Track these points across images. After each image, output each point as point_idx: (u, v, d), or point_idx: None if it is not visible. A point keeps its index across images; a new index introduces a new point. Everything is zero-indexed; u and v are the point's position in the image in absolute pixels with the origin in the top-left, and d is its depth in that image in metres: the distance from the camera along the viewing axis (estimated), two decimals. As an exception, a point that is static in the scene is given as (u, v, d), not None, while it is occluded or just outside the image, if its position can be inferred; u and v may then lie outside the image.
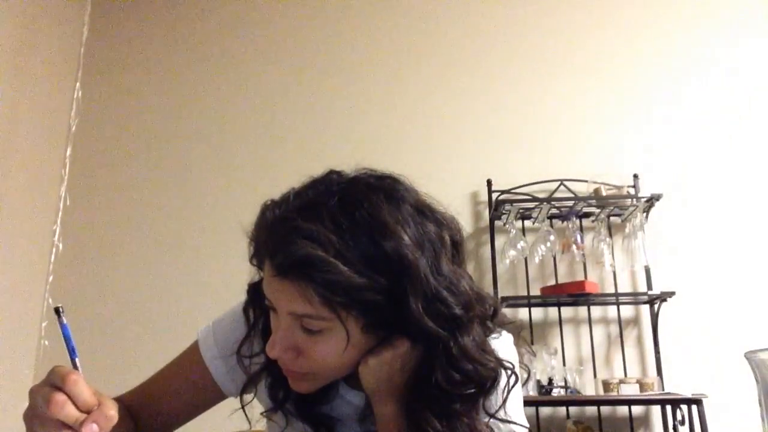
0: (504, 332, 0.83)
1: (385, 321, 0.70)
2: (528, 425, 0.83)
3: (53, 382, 0.59)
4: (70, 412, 0.57)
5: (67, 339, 0.65)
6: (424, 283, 0.68)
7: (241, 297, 0.83)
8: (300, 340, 0.71)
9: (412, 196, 0.73)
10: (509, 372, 0.76)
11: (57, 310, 0.65)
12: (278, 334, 0.71)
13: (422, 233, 0.70)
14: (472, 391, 0.73)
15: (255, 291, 0.80)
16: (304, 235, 0.65)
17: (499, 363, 0.75)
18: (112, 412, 0.59)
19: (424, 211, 0.73)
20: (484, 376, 0.73)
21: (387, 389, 0.74)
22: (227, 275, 2.09)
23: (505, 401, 0.76)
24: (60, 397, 0.57)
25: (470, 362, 0.72)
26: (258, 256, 0.75)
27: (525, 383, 0.82)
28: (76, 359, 0.64)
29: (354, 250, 0.66)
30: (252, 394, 0.84)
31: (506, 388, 0.76)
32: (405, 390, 0.74)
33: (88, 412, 0.59)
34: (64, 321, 0.65)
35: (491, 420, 0.76)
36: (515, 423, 0.79)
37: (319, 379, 0.75)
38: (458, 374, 0.71)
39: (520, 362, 0.83)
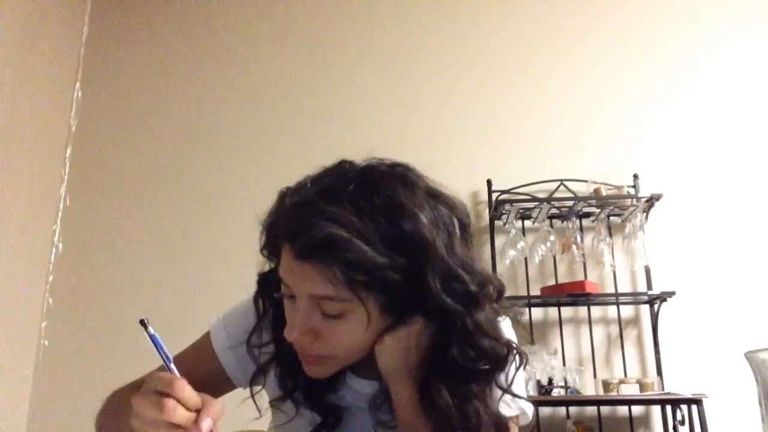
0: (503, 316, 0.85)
1: (403, 301, 0.72)
2: (531, 409, 0.86)
3: (158, 389, 0.62)
4: (182, 414, 0.61)
5: (159, 348, 0.67)
6: (441, 261, 0.70)
7: (243, 296, 0.83)
8: (319, 324, 0.72)
9: (423, 182, 0.77)
10: (516, 351, 0.79)
11: (142, 323, 0.66)
12: (297, 317, 0.72)
13: (437, 215, 0.73)
14: (487, 367, 0.75)
15: (265, 281, 0.81)
16: (326, 217, 0.67)
17: (510, 341, 0.78)
18: (219, 405, 0.63)
19: (436, 195, 0.76)
20: (498, 352, 0.76)
21: (403, 368, 0.75)
22: (228, 274, 2.09)
23: (511, 383, 0.79)
24: (171, 403, 0.60)
25: (485, 337, 0.74)
26: (273, 244, 0.76)
27: (525, 366, 0.84)
28: (171, 365, 0.67)
29: (374, 230, 0.68)
30: (261, 385, 0.86)
31: (514, 367, 0.79)
32: (421, 369, 0.75)
33: (196, 411, 0.62)
34: (152, 331, 0.67)
35: (502, 396, 0.78)
36: (524, 398, 0.82)
37: (335, 363, 0.77)
38: (473, 350, 0.74)
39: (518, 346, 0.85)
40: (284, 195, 0.74)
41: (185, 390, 0.62)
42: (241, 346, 0.83)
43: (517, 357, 0.78)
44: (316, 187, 0.72)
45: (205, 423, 0.61)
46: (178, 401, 0.61)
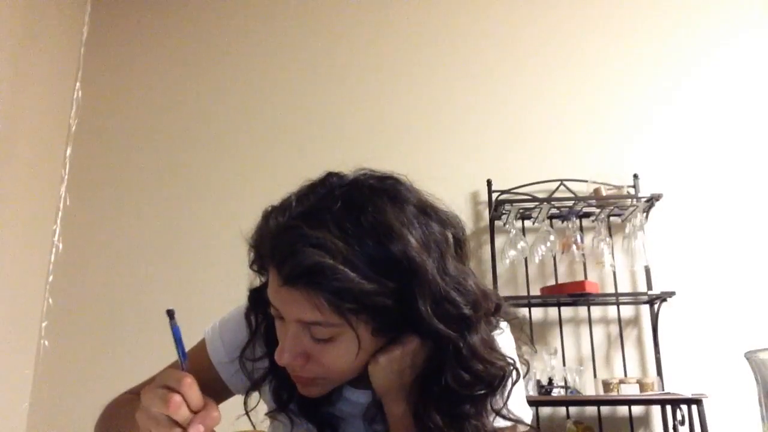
0: (502, 324, 0.83)
1: (395, 323, 0.70)
2: (530, 417, 0.84)
3: (168, 384, 0.62)
4: (184, 412, 0.61)
5: (178, 342, 0.67)
6: (432, 285, 0.68)
7: (243, 296, 0.83)
8: (309, 347, 0.71)
9: (414, 197, 0.73)
10: (513, 368, 0.77)
11: (169, 313, 0.67)
12: (287, 341, 0.71)
13: (427, 234, 0.70)
14: (483, 392, 0.73)
15: (256, 296, 0.80)
16: (311, 243, 0.65)
17: (506, 361, 0.76)
18: (216, 413, 0.63)
19: (427, 211, 0.73)
20: (493, 375, 0.73)
21: (398, 387, 0.74)
22: (228, 274, 2.09)
23: (508, 397, 0.76)
24: (178, 398, 0.61)
25: (480, 362, 0.72)
26: (261, 263, 0.74)
27: (525, 375, 0.83)
28: (185, 362, 0.67)
29: (361, 255, 0.65)
30: (258, 395, 0.85)
31: (510, 385, 0.76)
32: (415, 389, 0.74)
33: (195, 412, 0.62)
34: (177, 324, 0.67)
35: (501, 410, 0.76)
36: (519, 421, 0.79)
37: (329, 383, 0.76)
38: (468, 374, 0.71)
39: (520, 356, 0.84)
40: (268, 215, 0.71)
41: (192, 388, 0.62)
42: (238, 360, 0.82)
43: (514, 373, 0.76)
44: (301, 206, 0.69)
45: (196, 428, 0.61)
46: (184, 399, 0.61)
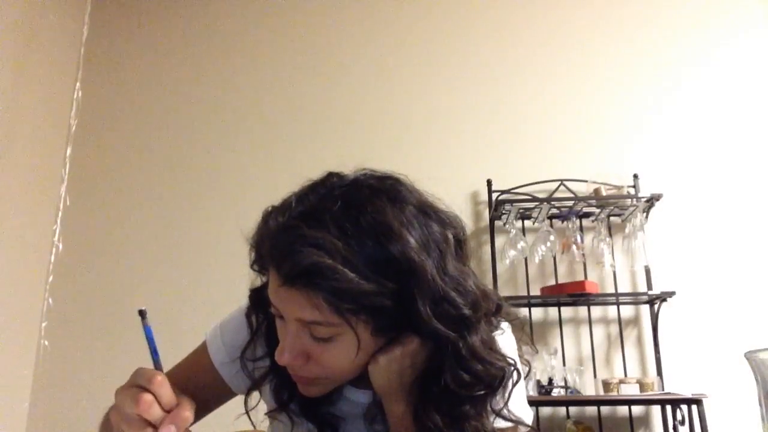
0: (504, 324, 0.83)
1: (394, 323, 0.70)
2: (531, 418, 0.83)
3: (139, 383, 0.62)
4: (155, 412, 0.60)
5: (149, 341, 0.67)
6: (431, 285, 0.68)
7: (243, 296, 0.83)
8: (309, 347, 0.71)
9: (414, 197, 0.73)
10: (514, 369, 0.77)
11: (141, 313, 0.67)
12: (287, 341, 0.71)
13: (427, 234, 0.70)
14: (482, 392, 0.73)
15: (257, 296, 0.80)
16: (309, 243, 0.65)
17: (506, 361, 0.76)
18: (188, 413, 0.62)
19: (428, 211, 0.72)
20: (493, 375, 0.73)
21: (398, 387, 0.74)
22: (228, 274, 2.09)
23: (508, 398, 0.76)
24: (148, 397, 0.60)
25: (479, 362, 0.72)
26: (261, 263, 0.75)
27: (527, 376, 0.82)
28: (159, 359, 0.67)
29: (360, 255, 0.65)
30: (259, 395, 0.85)
31: (511, 385, 0.76)
32: (415, 389, 0.74)
33: (168, 411, 0.62)
34: (148, 323, 0.67)
35: (501, 411, 0.76)
36: (519, 422, 0.79)
37: (329, 383, 0.76)
38: (467, 375, 0.71)
39: (520, 356, 0.84)
40: (268, 215, 0.71)
41: (163, 386, 0.61)
42: (239, 360, 0.83)
43: (514, 374, 0.76)
44: (301, 206, 0.69)
45: (167, 428, 0.60)
46: (155, 397, 0.60)
